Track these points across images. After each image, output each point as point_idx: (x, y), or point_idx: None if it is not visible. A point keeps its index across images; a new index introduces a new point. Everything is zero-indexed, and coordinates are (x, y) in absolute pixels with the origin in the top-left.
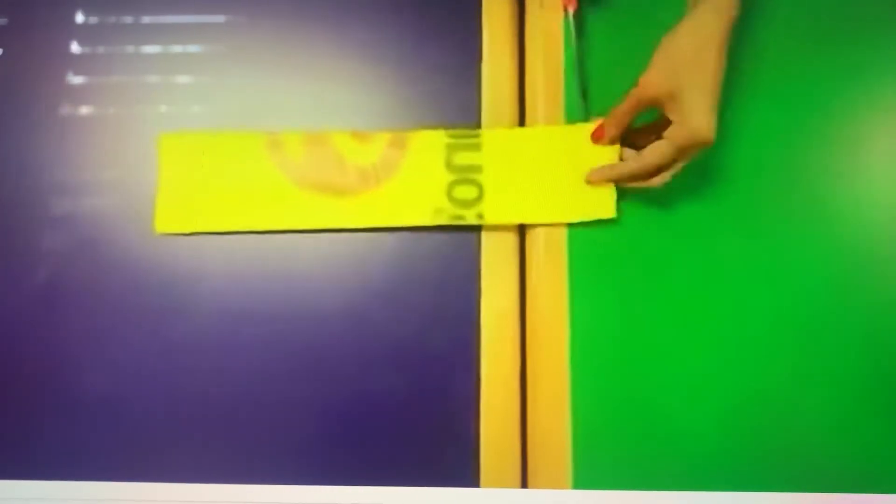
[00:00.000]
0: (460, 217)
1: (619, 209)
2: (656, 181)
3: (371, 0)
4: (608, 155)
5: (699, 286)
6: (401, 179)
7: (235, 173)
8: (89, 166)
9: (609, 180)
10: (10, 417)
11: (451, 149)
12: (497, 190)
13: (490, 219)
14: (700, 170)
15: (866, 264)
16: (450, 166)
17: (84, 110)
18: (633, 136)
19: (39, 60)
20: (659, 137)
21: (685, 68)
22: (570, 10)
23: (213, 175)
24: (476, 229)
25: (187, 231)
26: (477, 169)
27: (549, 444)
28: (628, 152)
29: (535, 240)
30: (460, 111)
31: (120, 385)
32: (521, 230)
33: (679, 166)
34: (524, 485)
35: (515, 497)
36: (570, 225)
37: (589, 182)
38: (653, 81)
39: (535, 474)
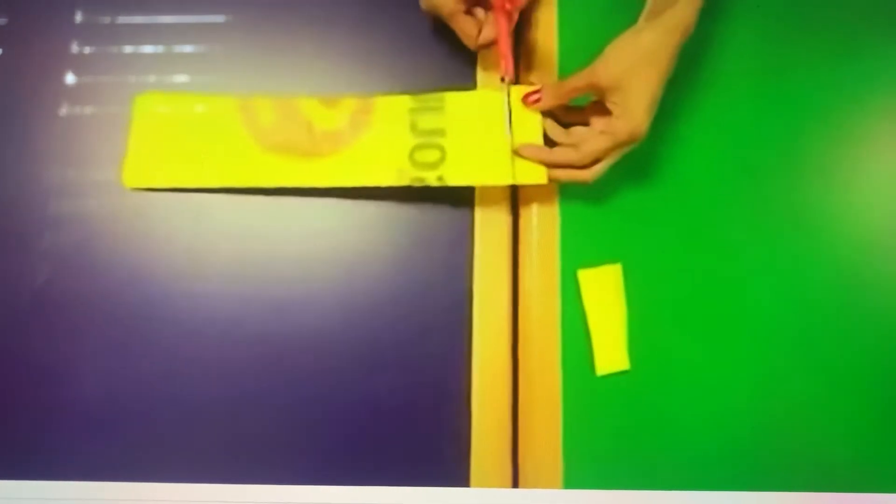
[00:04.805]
0: (421, 179)
1: (616, 203)
2: (588, 175)
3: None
4: (536, 123)
5: (695, 281)
6: (365, 143)
7: (206, 133)
8: (89, 166)
9: (540, 162)
10: (9, 417)
11: (415, 112)
12: (458, 152)
13: (450, 180)
14: (702, 168)
15: (867, 263)
16: (414, 130)
17: (84, 110)
18: (558, 111)
19: (39, 60)
20: (585, 122)
21: (639, 65)
22: (507, 78)
23: (184, 133)
24: (470, 224)
25: (154, 186)
26: (440, 132)
27: (540, 443)
28: (555, 128)
29: (528, 236)
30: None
31: (119, 384)
32: (515, 225)
33: (609, 163)
34: (515, 484)
35: (506, 497)
36: (564, 223)
37: (517, 154)
38: (607, 70)
39: (525, 474)
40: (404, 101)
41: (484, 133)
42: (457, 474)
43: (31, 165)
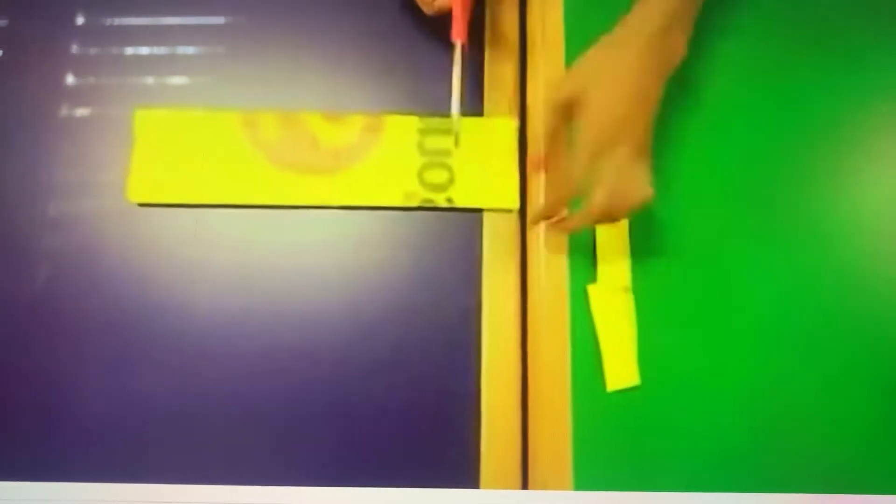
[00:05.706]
0: (430, 201)
1: None
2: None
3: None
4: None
5: (700, 286)
6: (373, 161)
7: (210, 148)
8: (89, 167)
9: (564, 233)
10: (10, 418)
11: (423, 133)
12: (466, 174)
13: (459, 202)
14: (703, 174)
15: (870, 269)
16: (422, 150)
17: (84, 111)
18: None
19: (39, 61)
20: None
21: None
22: (459, 42)
23: (188, 149)
24: (478, 228)
25: (160, 201)
26: (447, 153)
27: (549, 444)
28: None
29: (536, 246)
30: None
31: (120, 386)
32: (522, 227)
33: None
34: (525, 486)
35: (516, 498)
36: (572, 235)
37: (536, 224)
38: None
39: (535, 475)
40: (413, 122)
41: (492, 157)
42: (466, 475)
43: (31, 167)
